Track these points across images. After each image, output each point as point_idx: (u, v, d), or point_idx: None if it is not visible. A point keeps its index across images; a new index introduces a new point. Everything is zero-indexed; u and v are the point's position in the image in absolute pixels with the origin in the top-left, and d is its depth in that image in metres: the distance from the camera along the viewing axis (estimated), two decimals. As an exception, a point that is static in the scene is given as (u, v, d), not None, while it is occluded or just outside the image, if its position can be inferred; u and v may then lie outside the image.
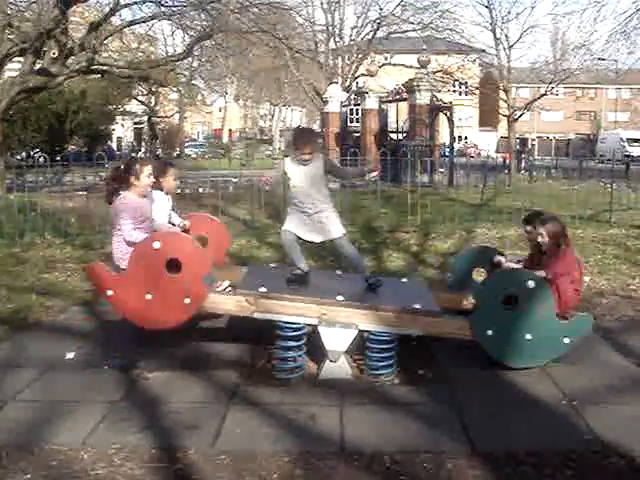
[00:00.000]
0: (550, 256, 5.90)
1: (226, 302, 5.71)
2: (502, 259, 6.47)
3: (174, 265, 5.59)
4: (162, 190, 6.66)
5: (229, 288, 6.30)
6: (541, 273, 5.71)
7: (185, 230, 6.55)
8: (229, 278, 6.42)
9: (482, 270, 6.84)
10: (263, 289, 5.69)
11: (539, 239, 5.97)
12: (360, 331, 5.59)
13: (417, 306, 5.72)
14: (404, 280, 7.13)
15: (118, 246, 5.99)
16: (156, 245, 5.55)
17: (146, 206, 6.16)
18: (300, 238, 6.22)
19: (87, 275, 5.82)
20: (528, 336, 5.52)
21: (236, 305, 5.67)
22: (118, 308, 5.77)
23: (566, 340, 5.60)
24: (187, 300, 5.57)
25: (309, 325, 5.63)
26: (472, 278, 6.80)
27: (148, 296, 5.56)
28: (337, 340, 5.54)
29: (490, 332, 5.56)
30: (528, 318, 5.54)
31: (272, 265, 7.32)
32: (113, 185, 6.12)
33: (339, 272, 7.08)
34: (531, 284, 5.53)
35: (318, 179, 6.09)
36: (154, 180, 6.24)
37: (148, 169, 6.10)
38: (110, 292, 5.68)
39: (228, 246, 7.15)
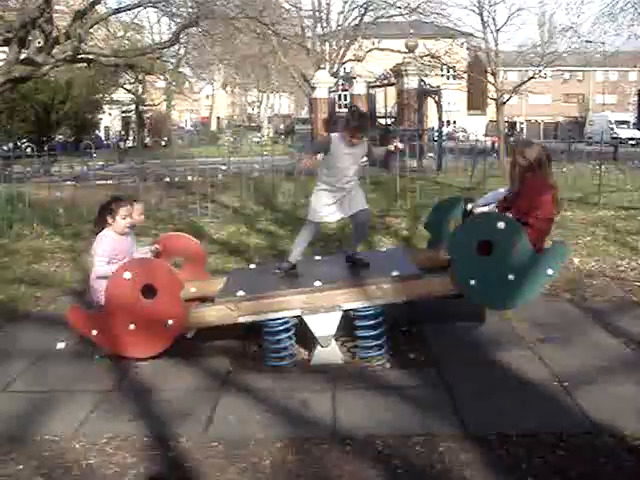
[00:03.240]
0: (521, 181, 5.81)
1: (209, 314, 5.70)
2: (474, 205, 6.39)
3: (149, 290, 5.60)
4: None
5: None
6: (509, 214, 5.67)
7: (157, 254, 6.52)
8: (210, 290, 6.35)
9: (457, 219, 6.66)
10: (241, 292, 5.68)
11: (519, 161, 5.87)
12: (345, 311, 5.58)
13: (395, 273, 5.70)
14: (382, 250, 7.08)
15: (95, 282, 6.00)
16: (127, 275, 5.55)
17: (124, 244, 6.14)
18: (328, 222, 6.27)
19: (69, 320, 5.78)
20: (510, 276, 5.39)
21: (218, 315, 5.66)
22: (107, 345, 5.73)
23: (549, 271, 5.44)
24: (170, 322, 5.57)
25: (294, 317, 5.63)
26: (448, 230, 6.66)
27: (131, 326, 5.56)
28: (324, 325, 5.54)
29: (473, 282, 5.47)
30: (506, 259, 5.41)
31: (252, 266, 7.28)
32: (96, 229, 6.16)
33: (317, 257, 7.07)
34: (501, 225, 5.39)
35: (358, 160, 6.12)
36: (132, 220, 6.22)
37: (124, 210, 6.08)
38: (95, 332, 5.67)
39: (205, 262, 7.07)
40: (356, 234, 6.44)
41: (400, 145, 6.32)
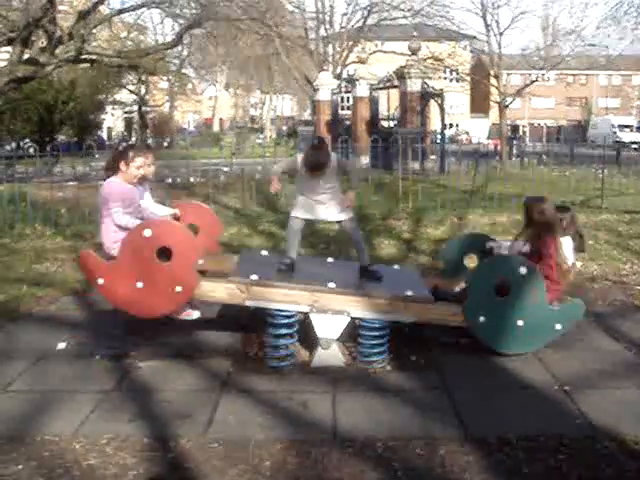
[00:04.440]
0: (540, 243, 5.89)
1: (217, 290, 5.68)
2: (494, 245, 6.46)
3: (165, 253, 5.56)
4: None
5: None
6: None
7: (176, 218, 6.51)
8: (221, 267, 6.38)
9: (473, 256, 6.83)
10: (255, 276, 5.67)
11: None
12: (352, 318, 5.59)
13: (409, 293, 5.71)
14: (396, 267, 7.13)
15: (107, 233, 5.96)
16: (147, 233, 5.51)
17: (133, 192, 6.12)
18: (308, 220, 6.23)
19: (79, 262, 5.78)
20: (520, 322, 5.53)
21: (227, 293, 5.65)
22: (109, 296, 5.74)
23: (558, 326, 5.61)
24: (178, 288, 5.55)
25: (301, 313, 5.62)
26: (464, 264, 6.79)
27: (139, 284, 5.53)
28: (329, 327, 5.53)
29: (482, 319, 5.56)
30: (520, 304, 5.54)
31: (264, 252, 7.28)
32: (107, 173, 6.13)
33: (330, 259, 7.07)
34: (523, 270, 5.53)
35: (328, 177, 6.03)
36: (143, 172, 6.21)
37: (140, 160, 6.07)
38: (101, 280, 5.65)
39: (219, 234, 7.12)
40: (356, 247, 6.45)
41: (349, 202, 6.16)
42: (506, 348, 5.65)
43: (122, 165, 6.03)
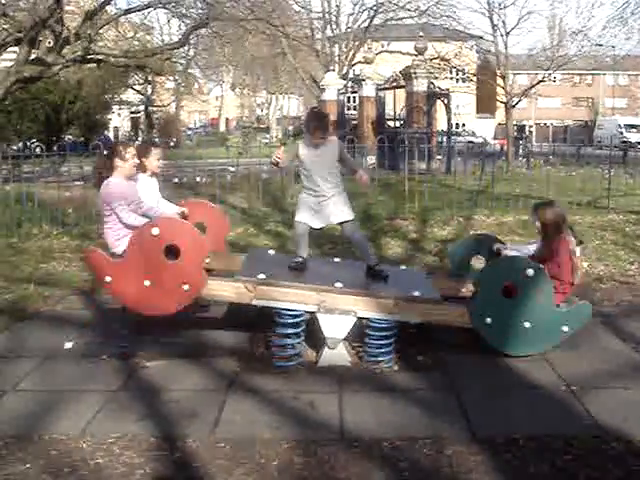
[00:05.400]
0: (546, 244, 5.91)
1: (225, 289, 5.68)
2: (502, 247, 6.45)
3: (173, 251, 5.57)
4: (146, 172, 6.57)
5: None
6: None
7: (184, 217, 6.52)
8: (228, 266, 6.38)
9: (480, 258, 6.82)
10: (262, 275, 5.68)
11: (536, 224, 6.00)
12: (359, 318, 5.58)
13: (416, 293, 5.71)
14: (403, 267, 7.13)
15: (109, 232, 5.96)
16: (155, 231, 5.52)
17: (133, 188, 6.12)
18: (312, 228, 6.23)
19: (86, 261, 5.78)
20: (527, 324, 5.52)
21: (235, 292, 5.65)
22: (116, 294, 5.75)
23: (565, 328, 5.60)
24: (186, 287, 5.56)
25: (308, 312, 5.62)
26: (471, 265, 6.79)
27: (147, 282, 5.54)
28: (336, 327, 5.53)
29: (489, 320, 5.56)
30: (527, 306, 5.54)
31: (271, 251, 7.28)
32: (100, 172, 6.09)
33: (337, 259, 7.07)
34: (530, 272, 5.52)
35: (329, 163, 6.07)
36: (138, 161, 6.20)
37: (132, 150, 6.07)
38: (109, 278, 5.65)
39: (227, 233, 7.13)
40: (358, 248, 6.45)
41: (365, 178, 6.27)
42: (513, 350, 5.64)
43: (117, 162, 6.00)
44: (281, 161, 6.13)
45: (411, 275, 6.79)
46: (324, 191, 6.06)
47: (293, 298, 5.57)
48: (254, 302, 5.63)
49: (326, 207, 6.09)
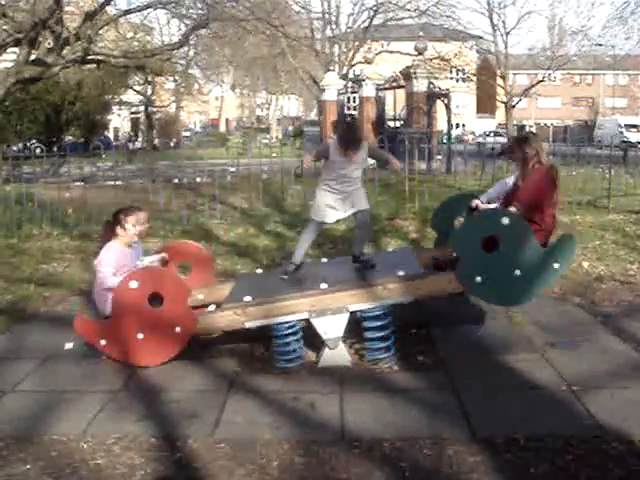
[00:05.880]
0: (527, 177, 5.90)
1: (216, 320, 5.69)
2: (478, 202, 6.37)
3: (156, 299, 5.60)
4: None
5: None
6: (512, 208, 5.70)
7: (164, 262, 6.53)
8: (221, 297, 6.31)
9: (462, 219, 6.64)
10: (248, 298, 5.67)
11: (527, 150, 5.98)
12: (353, 313, 5.57)
13: (401, 273, 5.69)
14: (389, 250, 7.10)
15: (98, 294, 6.01)
16: (133, 285, 5.55)
17: (129, 255, 6.14)
18: (326, 223, 6.27)
19: (76, 329, 5.78)
20: (517, 272, 5.32)
21: (226, 320, 5.64)
22: (115, 354, 5.70)
23: (556, 265, 5.35)
24: (178, 329, 5.57)
25: (301, 320, 5.62)
26: (454, 229, 6.62)
27: (140, 335, 5.55)
28: (332, 327, 5.52)
29: (479, 278, 5.41)
30: (512, 254, 5.34)
31: (258, 271, 7.26)
32: (104, 240, 6.15)
33: (324, 259, 7.08)
34: (505, 220, 5.34)
35: (360, 165, 6.14)
36: (140, 229, 6.20)
37: (132, 219, 6.09)
38: (103, 342, 5.67)
39: (212, 266, 7.07)
40: (358, 235, 6.45)
41: (397, 165, 6.42)
42: (510, 301, 5.59)
43: (118, 230, 6.06)
44: (307, 164, 6.21)
45: (397, 255, 6.78)
46: (347, 189, 6.09)
47: (283, 311, 5.55)
48: (247, 325, 5.60)
49: (347, 198, 6.12)
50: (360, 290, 5.62)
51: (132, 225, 6.07)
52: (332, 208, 6.09)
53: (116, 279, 5.79)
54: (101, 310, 6.00)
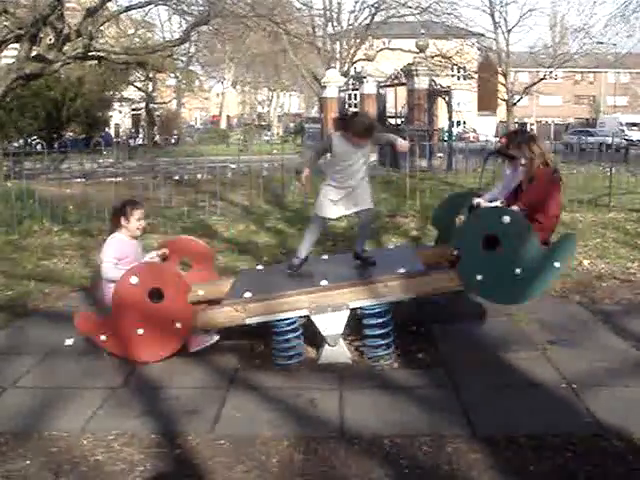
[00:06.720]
0: (528, 181, 5.89)
1: (217, 316, 5.68)
2: (480, 200, 6.34)
3: (157, 294, 5.60)
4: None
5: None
6: (515, 207, 5.69)
7: (164, 258, 6.52)
8: (222, 292, 6.29)
9: (462, 217, 6.63)
10: (248, 294, 5.66)
11: (522, 161, 5.96)
12: (353, 309, 5.57)
13: (402, 270, 5.68)
14: (390, 247, 7.07)
15: (102, 286, 6.00)
16: (134, 280, 5.55)
17: (134, 247, 6.14)
18: (330, 219, 6.21)
19: (77, 326, 5.78)
20: (517, 271, 5.30)
21: (226, 316, 5.63)
22: (115, 350, 5.70)
23: (556, 264, 5.33)
24: (178, 325, 5.57)
25: (302, 317, 5.62)
26: (455, 227, 6.60)
27: (140, 331, 5.55)
28: (332, 324, 5.51)
29: (480, 277, 5.41)
30: (513, 253, 5.33)
31: (259, 267, 7.23)
32: (111, 227, 6.17)
33: (324, 256, 7.07)
34: (506, 219, 5.33)
35: (366, 157, 6.02)
36: (144, 225, 6.22)
37: (138, 213, 6.08)
38: (104, 337, 5.67)
39: (213, 261, 7.05)
40: (361, 233, 6.42)
41: (404, 145, 6.23)
42: (510, 300, 5.58)
43: (122, 221, 6.05)
44: (306, 188, 6.15)
45: (398, 253, 6.75)
46: (352, 183, 5.94)
47: (283, 308, 5.54)
48: (247, 321, 5.59)
49: (351, 194, 5.98)
50: (361, 287, 5.61)
51: (137, 219, 6.07)
52: (335, 204, 6.04)
53: (117, 272, 5.78)
54: (106, 302, 5.94)
